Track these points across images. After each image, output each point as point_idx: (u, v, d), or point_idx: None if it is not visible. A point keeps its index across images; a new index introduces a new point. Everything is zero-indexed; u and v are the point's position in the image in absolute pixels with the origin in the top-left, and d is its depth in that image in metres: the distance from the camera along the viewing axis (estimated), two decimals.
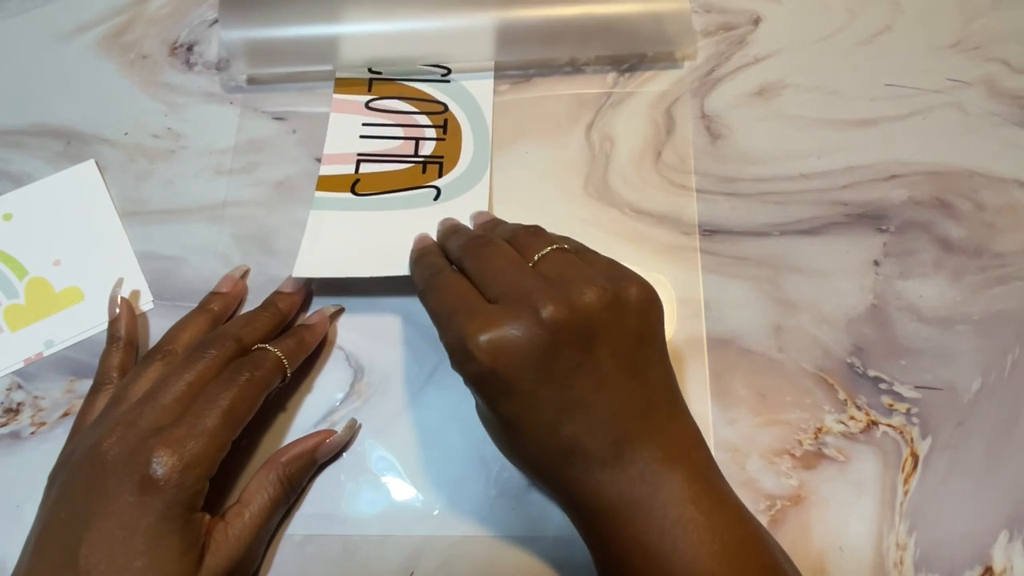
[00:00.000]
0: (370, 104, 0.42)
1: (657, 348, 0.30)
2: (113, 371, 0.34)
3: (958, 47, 0.42)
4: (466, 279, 0.31)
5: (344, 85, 0.42)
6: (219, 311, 0.36)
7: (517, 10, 0.40)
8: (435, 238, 0.37)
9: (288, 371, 0.34)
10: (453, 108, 0.42)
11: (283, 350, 0.34)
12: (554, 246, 0.31)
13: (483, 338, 0.28)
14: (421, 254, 0.35)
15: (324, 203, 0.39)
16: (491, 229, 0.35)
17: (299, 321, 0.37)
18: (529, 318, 0.28)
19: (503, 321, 0.28)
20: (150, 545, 0.28)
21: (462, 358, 0.28)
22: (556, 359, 0.28)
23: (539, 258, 0.31)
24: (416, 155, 0.40)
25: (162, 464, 0.28)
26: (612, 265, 0.31)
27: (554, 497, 0.33)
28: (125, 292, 0.38)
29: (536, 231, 0.33)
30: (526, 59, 0.43)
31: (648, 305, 0.30)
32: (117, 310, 0.36)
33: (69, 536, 0.28)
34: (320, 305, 0.38)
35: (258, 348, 0.33)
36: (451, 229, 0.36)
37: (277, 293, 0.37)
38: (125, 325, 0.36)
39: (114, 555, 0.27)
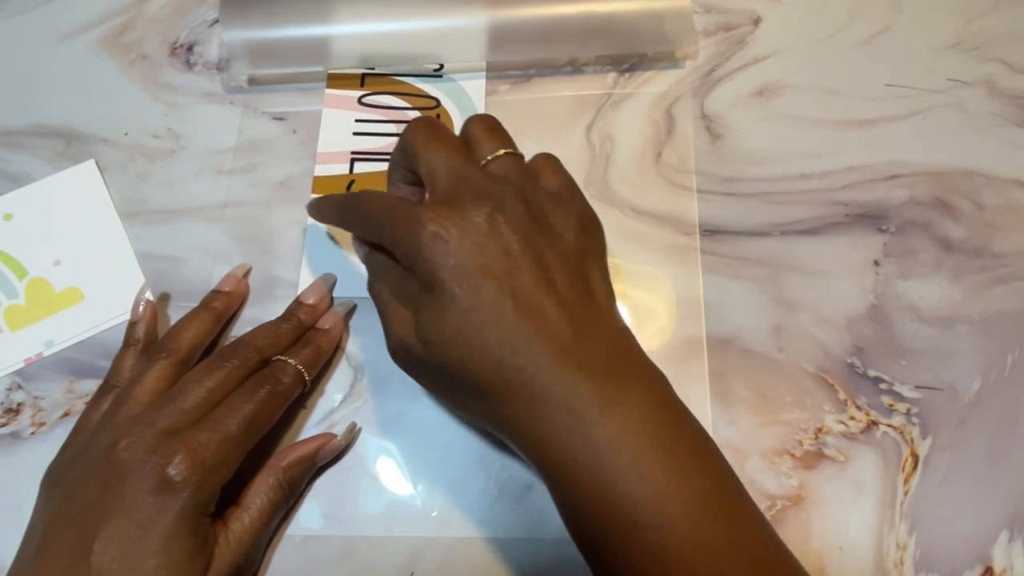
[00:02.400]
0: (363, 100, 0.42)
1: (602, 266, 0.30)
2: (126, 373, 0.34)
3: (958, 47, 0.42)
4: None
5: (336, 80, 0.42)
6: (221, 310, 0.36)
7: (518, 10, 0.40)
8: None
9: (308, 382, 0.34)
10: (445, 103, 0.42)
11: (302, 361, 0.34)
12: (508, 150, 0.31)
13: (433, 228, 0.27)
14: (319, 201, 0.35)
15: None
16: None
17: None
18: (481, 216, 0.27)
19: (453, 214, 0.28)
20: (164, 545, 0.28)
21: (411, 248, 0.28)
22: (503, 260, 0.27)
23: (491, 159, 0.30)
24: None
25: (181, 467, 0.28)
26: (566, 185, 0.31)
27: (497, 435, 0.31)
28: (149, 295, 0.37)
29: (493, 126, 0.32)
30: (526, 59, 0.43)
31: (593, 225, 0.31)
32: (140, 310, 0.36)
33: (81, 532, 0.28)
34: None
35: (277, 360, 0.33)
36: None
37: (299, 304, 0.36)
38: (146, 329, 0.35)
39: (127, 553, 0.28)
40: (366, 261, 0.33)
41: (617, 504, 0.25)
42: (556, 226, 0.29)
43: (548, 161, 0.32)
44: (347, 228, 0.34)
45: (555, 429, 0.26)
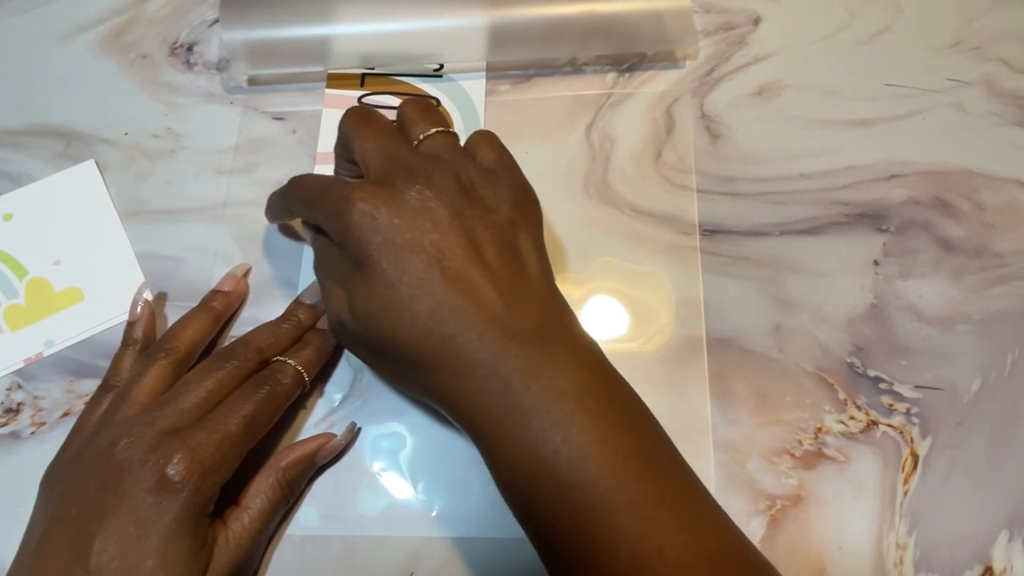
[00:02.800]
0: (363, 100, 0.42)
1: (536, 237, 0.31)
2: (125, 373, 0.34)
3: (958, 47, 0.42)
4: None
5: (337, 80, 0.42)
6: (221, 310, 0.36)
7: (518, 10, 0.40)
8: None
9: (307, 383, 0.34)
10: (445, 103, 0.42)
11: (302, 362, 0.34)
12: (439, 128, 0.31)
13: (363, 206, 0.28)
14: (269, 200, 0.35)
15: None
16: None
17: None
18: (411, 193, 0.28)
19: (382, 191, 0.28)
20: (163, 545, 0.28)
21: (342, 227, 0.28)
22: (431, 234, 0.28)
23: (424, 138, 0.31)
24: None
25: (181, 466, 0.28)
26: (501, 160, 0.32)
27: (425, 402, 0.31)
28: (148, 295, 0.37)
29: (425, 106, 0.32)
30: (526, 59, 0.43)
31: (527, 198, 0.31)
32: (138, 310, 0.36)
33: (80, 532, 0.28)
34: None
35: (277, 361, 0.34)
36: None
37: (299, 304, 0.36)
38: (144, 330, 0.35)
39: (126, 553, 0.28)
40: (312, 244, 0.33)
41: (543, 465, 0.26)
42: (488, 200, 0.30)
43: (484, 137, 0.32)
44: (290, 215, 0.34)
45: (483, 395, 0.27)
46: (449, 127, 0.32)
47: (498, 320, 0.27)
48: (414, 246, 0.28)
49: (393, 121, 0.33)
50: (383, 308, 0.28)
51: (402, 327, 0.28)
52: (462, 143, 0.32)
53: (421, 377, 0.28)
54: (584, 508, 0.25)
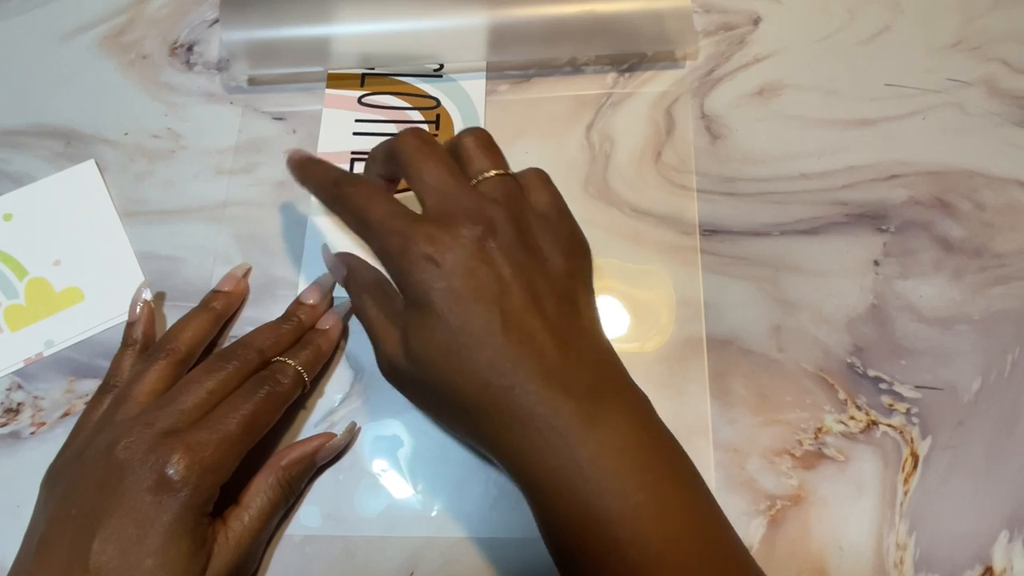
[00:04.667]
0: (363, 100, 0.42)
1: (590, 287, 0.31)
2: (125, 373, 0.34)
3: (958, 47, 0.42)
4: (383, 187, 0.31)
5: (337, 80, 0.42)
6: (221, 310, 0.36)
7: (518, 10, 0.40)
8: None
9: (308, 383, 0.34)
10: (445, 103, 0.42)
11: (302, 362, 0.34)
12: (499, 171, 0.31)
13: (426, 249, 0.28)
14: (300, 163, 0.34)
15: (322, 208, 0.39)
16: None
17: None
18: (472, 240, 0.28)
19: (445, 237, 0.28)
20: (162, 545, 0.28)
21: (403, 267, 0.28)
22: (493, 285, 0.28)
23: (483, 179, 0.31)
24: None
25: (180, 466, 0.29)
26: (555, 204, 0.32)
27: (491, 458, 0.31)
28: (147, 294, 0.37)
29: (486, 143, 0.32)
30: (526, 59, 0.43)
31: (581, 247, 0.32)
32: (138, 310, 0.36)
33: (80, 532, 0.28)
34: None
35: (277, 361, 0.34)
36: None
37: (299, 304, 0.36)
38: (143, 330, 0.35)
39: (126, 553, 0.28)
40: (349, 275, 0.33)
41: (597, 520, 0.26)
42: (544, 249, 0.30)
43: (538, 178, 0.32)
44: (332, 211, 0.33)
45: (538, 447, 0.27)
46: (507, 168, 0.31)
47: (556, 373, 0.27)
48: (476, 295, 0.28)
49: (451, 143, 0.32)
50: (442, 354, 0.28)
51: (461, 374, 0.28)
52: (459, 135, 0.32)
53: (474, 424, 0.29)
54: (636, 565, 0.26)
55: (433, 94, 0.42)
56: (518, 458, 0.27)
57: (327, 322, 0.36)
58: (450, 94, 0.42)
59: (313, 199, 0.39)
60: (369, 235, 0.30)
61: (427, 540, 0.34)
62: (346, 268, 0.34)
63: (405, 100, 0.42)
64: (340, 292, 0.38)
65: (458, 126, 0.41)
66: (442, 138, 0.41)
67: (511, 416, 0.27)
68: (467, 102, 0.42)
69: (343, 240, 0.39)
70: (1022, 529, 0.33)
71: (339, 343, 0.37)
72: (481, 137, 0.32)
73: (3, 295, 0.39)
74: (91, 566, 0.27)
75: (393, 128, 0.41)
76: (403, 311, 0.30)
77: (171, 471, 0.28)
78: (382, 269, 0.31)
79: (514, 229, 0.29)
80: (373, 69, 0.42)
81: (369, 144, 0.41)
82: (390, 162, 0.32)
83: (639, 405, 0.29)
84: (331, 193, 0.32)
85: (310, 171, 0.34)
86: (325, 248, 0.36)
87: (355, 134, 0.41)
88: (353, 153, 0.41)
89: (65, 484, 0.30)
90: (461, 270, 0.28)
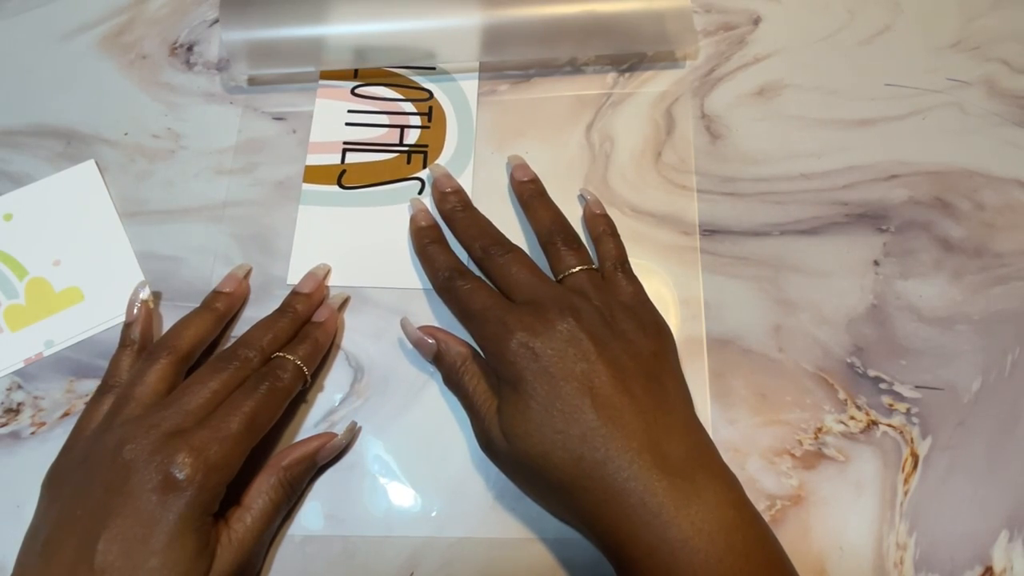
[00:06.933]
0: (356, 90, 0.42)
1: (675, 367, 0.33)
2: (123, 374, 0.34)
3: (958, 47, 0.42)
4: (486, 284, 0.34)
5: (330, 71, 0.42)
6: (223, 311, 0.36)
7: (518, 10, 0.40)
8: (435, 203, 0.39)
9: (308, 377, 0.34)
10: (438, 95, 0.42)
11: (301, 356, 0.34)
12: (584, 267, 0.34)
13: (521, 336, 0.31)
14: (424, 240, 0.37)
15: (312, 197, 0.39)
16: (530, 197, 0.38)
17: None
18: (563, 326, 0.31)
19: (537, 324, 0.31)
20: (167, 544, 0.28)
21: (499, 351, 0.31)
22: (582, 364, 0.30)
23: (568, 275, 0.34)
24: (401, 143, 0.41)
25: (185, 466, 0.29)
26: (637, 295, 0.34)
27: (581, 532, 0.33)
28: (144, 294, 0.37)
29: (573, 240, 0.36)
30: (527, 59, 0.43)
31: (663, 331, 0.34)
32: (135, 311, 0.36)
33: (86, 533, 0.28)
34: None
35: (276, 357, 0.34)
36: (460, 215, 0.38)
37: (295, 295, 0.37)
38: (141, 330, 0.35)
39: (131, 552, 0.28)
40: (441, 349, 0.35)
41: None
42: (628, 332, 0.32)
43: (620, 269, 0.36)
44: (440, 297, 0.36)
45: (632, 524, 0.28)
46: (591, 263, 0.35)
47: (647, 449, 0.29)
48: (567, 374, 0.30)
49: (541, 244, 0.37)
50: (536, 429, 0.30)
51: (555, 448, 0.29)
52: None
53: (571, 501, 0.30)
54: None
55: (426, 86, 0.42)
56: (614, 536, 0.29)
57: (323, 314, 0.36)
58: (443, 87, 0.42)
59: (305, 191, 0.39)
60: (470, 323, 0.34)
61: (427, 540, 0.34)
62: (435, 342, 0.35)
63: (398, 92, 0.42)
64: (333, 282, 0.38)
65: (451, 119, 0.41)
66: (435, 131, 0.41)
67: (604, 490, 0.28)
68: (459, 94, 0.42)
69: (332, 232, 0.39)
70: (1022, 529, 0.33)
71: (335, 335, 0.37)
72: (568, 235, 0.36)
73: (3, 295, 0.39)
74: (96, 566, 0.27)
75: (386, 119, 0.41)
76: (498, 388, 0.32)
77: (177, 471, 0.29)
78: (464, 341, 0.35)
79: (599, 315, 0.32)
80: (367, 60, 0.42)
81: (361, 135, 0.41)
82: (477, 261, 0.36)
83: (729, 485, 0.30)
84: (443, 282, 0.35)
85: (431, 254, 0.37)
86: (406, 321, 0.36)
87: (347, 124, 0.41)
88: (345, 144, 0.41)
89: (71, 487, 0.30)
90: (552, 352, 0.30)
